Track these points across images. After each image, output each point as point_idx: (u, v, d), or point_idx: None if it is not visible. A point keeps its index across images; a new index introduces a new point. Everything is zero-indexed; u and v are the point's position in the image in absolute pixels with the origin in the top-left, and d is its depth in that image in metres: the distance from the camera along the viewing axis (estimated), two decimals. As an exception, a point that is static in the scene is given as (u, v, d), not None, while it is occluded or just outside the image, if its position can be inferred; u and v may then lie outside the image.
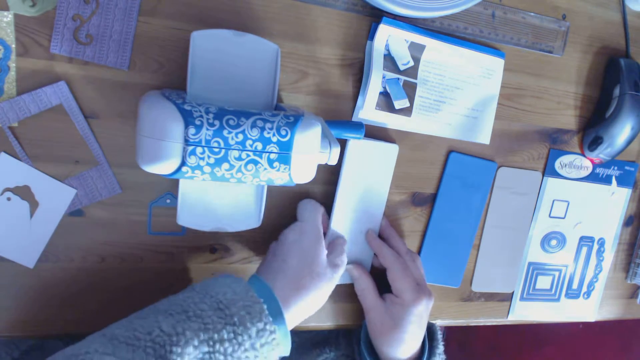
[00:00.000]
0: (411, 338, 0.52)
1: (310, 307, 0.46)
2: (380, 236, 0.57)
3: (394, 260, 0.54)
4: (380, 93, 0.53)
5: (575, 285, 0.70)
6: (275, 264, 0.46)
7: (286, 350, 0.42)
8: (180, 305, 0.40)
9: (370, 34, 0.52)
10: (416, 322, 0.52)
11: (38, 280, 0.47)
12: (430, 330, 0.58)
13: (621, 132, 0.61)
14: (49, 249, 0.47)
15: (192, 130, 0.38)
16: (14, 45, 0.43)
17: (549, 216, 0.66)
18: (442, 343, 0.57)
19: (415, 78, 0.54)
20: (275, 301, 0.43)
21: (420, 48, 0.54)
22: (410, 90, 0.54)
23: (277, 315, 0.42)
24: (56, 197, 0.46)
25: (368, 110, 0.53)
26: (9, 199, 0.45)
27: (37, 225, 0.46)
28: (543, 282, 0.68)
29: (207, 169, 0.39)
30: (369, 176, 0.54)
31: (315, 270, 0.46)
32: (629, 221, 0.71)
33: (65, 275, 0.48)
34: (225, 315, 0.39)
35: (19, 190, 0.45)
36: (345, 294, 0.58)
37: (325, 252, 0.49)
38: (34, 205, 0.45)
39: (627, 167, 0.68)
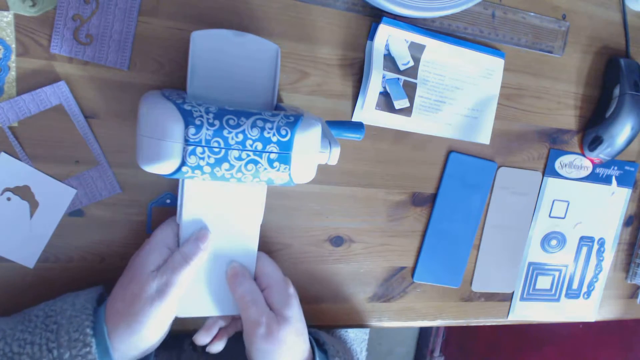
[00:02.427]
0: None
1: (132, 324, 0.41)
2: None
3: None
4: (380, 93, 0.53)
5: (575, 285, 0.70)
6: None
7: None
8: (27, 312, 0.42)
9: (370, 34, 0.52)
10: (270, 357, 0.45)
11: (38, 280, 0.47)
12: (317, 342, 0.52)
13: (621, 132, 0.61)
14: (49, 249, 0.47)
15: (192, 130, 0.38)
16: (14, 45, 0.43)
17: (549, 216, 0.66)
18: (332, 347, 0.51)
19: (415, 78, 0.54)
20: (100, 316, 0.41)
21: (420, 48, 0.54)
22: (410, 90, 0.54)
23: (100, 329, 0.40)
24: (56, 197, 0.46)
25: (368, 110, 0.53)
26: (9, 199, 0.45)
27: (37, 225, 0.46)
28: (543, 282, 0.68)
29: (207, 168, 0.39)
30: (229, 217, 0.47)
31: (135, 279, 0.42)
32: (629, 221, 0.71)
33: (65, 275, 0.48)
34: (50, 322, 0.40)
35: (19, 190, 0.45)
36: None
37: (154, 257, 0.43)
38: (34, 205, 0.45)
39: (627, 167, 0.68)
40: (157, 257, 0.43)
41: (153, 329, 0.41)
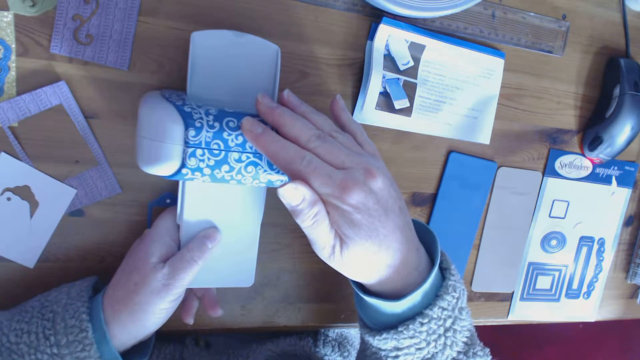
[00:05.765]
0: (372, 249, 0.38)
1: (136, 313, 0.41)
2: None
3: (292, 155, 0.38)
4: (380, 93, 0.53)
5: (575, 285, 0.70)
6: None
7: (107, 356, 0.40)
8: (23, 304, 0.42)
9: (370, 34, 0.52)
10: (364, 223, 0.37)
11: (38, 280, 0.47)
12: (426, 235, 0.44)
13: (621, 132, 0.61)
14: (49, 249, 0.47)
15: (192, 132, 0.38)
16: (14, 45, 0.43)
17: (549, 216, 0.66)
18: (451, 263, 0.44)
19: (415, 78, 0.54)
20: (97, 303, 0.41)
21: (420, 48, 0.54)
22: (410, 90, 0.54)
23: (96, 316, 0.41)
24: (56, 197, 0.46)
25: (368, 111, 0.53)
26: (9, 199, 0.45)
27: (37, 225, 0.46)
28: (543, 282, 0.68)
29: (207, 170, 0.39)
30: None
31: (138, 269, 0.42)
32: (629, 221, 0.71)
33: (65, 275, 0.48)
34: (46, 311, 0.40)
35: (19, 190, 0.45)
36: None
37: (157, 248, 0.43)
38: (34, 205, 0.45)
39: (627, 167, 0.68)
40: (160, 247, 0.43)
41: (155, 318, 0.42)
